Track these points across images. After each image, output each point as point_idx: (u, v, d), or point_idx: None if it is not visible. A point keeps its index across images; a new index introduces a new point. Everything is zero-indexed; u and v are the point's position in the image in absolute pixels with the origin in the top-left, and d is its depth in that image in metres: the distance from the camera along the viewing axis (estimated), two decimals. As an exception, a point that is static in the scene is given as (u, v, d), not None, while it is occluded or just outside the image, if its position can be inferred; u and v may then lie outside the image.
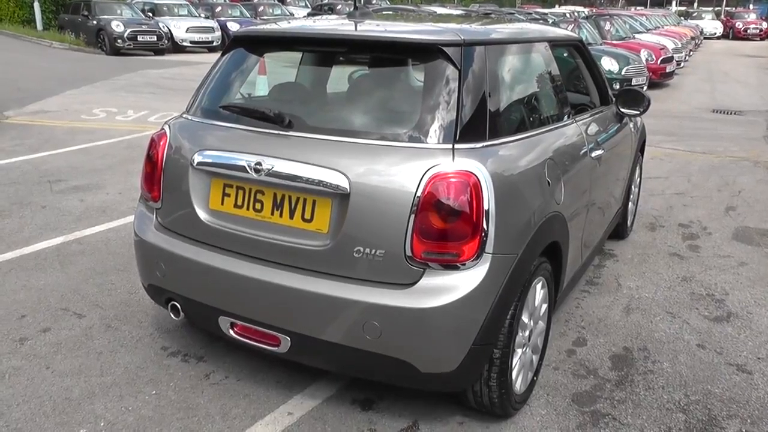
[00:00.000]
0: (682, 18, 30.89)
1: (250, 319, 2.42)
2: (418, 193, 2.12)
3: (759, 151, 7.96)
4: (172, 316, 2.71)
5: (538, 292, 2.59)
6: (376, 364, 2.25)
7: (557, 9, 31.61)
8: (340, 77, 2.55)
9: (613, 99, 3.86)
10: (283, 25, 2.82)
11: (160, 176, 2.65)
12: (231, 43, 2.79)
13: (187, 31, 18.53)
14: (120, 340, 3.12)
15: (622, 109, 3.80)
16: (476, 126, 2.26)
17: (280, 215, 2.34)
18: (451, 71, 2.28)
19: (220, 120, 2.57)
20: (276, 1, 27.02)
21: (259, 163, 2.31)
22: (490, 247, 2.16)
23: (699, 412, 2.71)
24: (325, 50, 2.51)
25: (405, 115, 2.31)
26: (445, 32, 2.39)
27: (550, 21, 14.87)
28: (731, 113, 10.80)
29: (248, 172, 2.34)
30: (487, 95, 2.34)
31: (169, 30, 18.27)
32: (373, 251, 2.17)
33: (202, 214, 2.51)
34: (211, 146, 2.49)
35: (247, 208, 2.41)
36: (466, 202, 2.12)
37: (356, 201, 2.18)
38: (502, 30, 2.75)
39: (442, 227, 2.12)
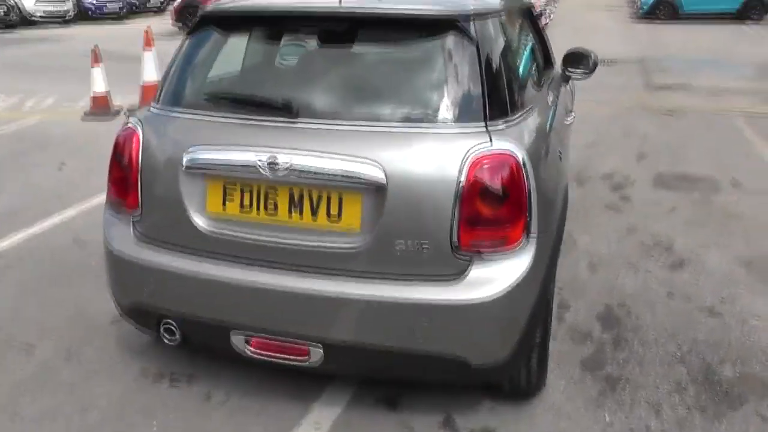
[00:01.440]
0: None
1: (271, 332, 2.20)
2: (461, 179, 1.99)
3: (645, 98, 8.52)
4: (165, 339, 2.40)
5: None
6: (425, 364, 2.13)
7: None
8: (339, 58, 2.30)
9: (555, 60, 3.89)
10: (267, 1, 2.50)
11: (137, 181, 2.31)
12: (199, 22, 2.44)
13: (37, 3, 16.58)
14: (89, 369, 2.76)
15: (569, 70, 3.82)
16: (500, 102, 2.16)
17: (300, 215, 2.11)
18: (468, 46, 2.15)
19: (208, 111, 2.26)
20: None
21: (273, 159, 2.06)
22: (534, 228, 2.09)
23: (695, 361, 2.85)
24: (323, 28, 2.26)
25: (430, 96, 2.15)
26: (454, 4, 2.24)
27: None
28: (607, 63, 11.46)
29: (259, 171, 2.08)
30: (502, 68, 2.24)
31: (17, 1, 16.29)
32: (417, 244, 2.02)
33: (200, 221, 2.22)
34: (204, 143, 2.18)
35: (257, 211, 2.16)
36: (511, 185, 2.02)
37: (395, 193, 2.01)
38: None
39: (490, 213, 2.01)
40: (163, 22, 16.55)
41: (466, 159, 2.00)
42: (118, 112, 7.24)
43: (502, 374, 2.27)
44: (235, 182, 2.17)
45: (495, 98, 2.13)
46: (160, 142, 2.29)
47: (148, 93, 7.11)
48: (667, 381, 2.70)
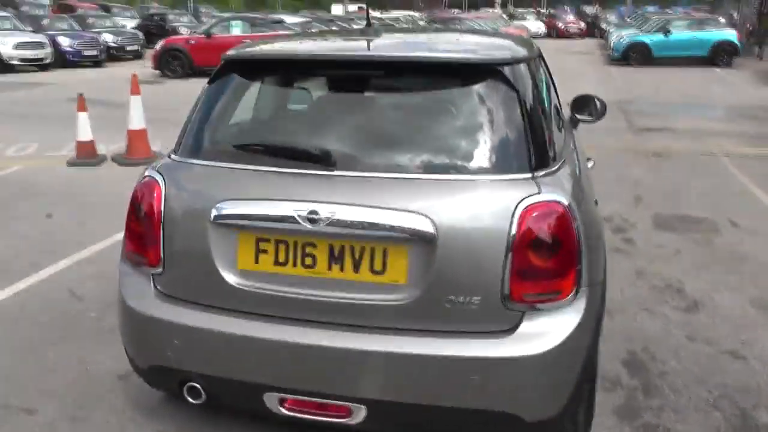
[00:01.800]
0: (509, 19, 33.18)
1: (309, 392, 2.07)
2: (513, 231, 1.92)
3: (631, 141, 8.65)
4: (189, 400, 2.25)
5: None
6: (477, 420, 2.02)
7: (391, 14, 32.48)
8: (374, 105, 2.24)
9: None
10: (294, 45, 2.45)
11: (159, 235, 2.19)
12: (222, 67, 2.37)
13: (15, 48, 16.39)
14: (99, 434, 2.58)
15: (578, 116, 3.83)
16: (542, 150, 2.12)
17: (341, 269, 2.02)
18: (510, 93, 2.12)
19: (238, 162, 2.17)
20: (103, 12, 25.10)
21: (314, 212, 1.97)
22: (585, 279, 2.02)
23: (729, 407, 2.78)
24: (356, 75, 2.20)
25: (474, 145, 2.09)
26: (495, 50, 2.21)
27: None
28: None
29: (298, 223, 1.98)
30: (540, 116, 2.20)
31: (-6, 47, 16.12)
32: (468, 299, 1.94)
33: (231, 277, 2.10)
34: (236, 195, 2.09)
35: (294, 265, 2.05)
36: (561, 234, 1.96)
37: (444, 245, 1.93)
38: (522, 45, 2.60)
39: (542, 264, 1.94)
40: (143, 68, 16.55)
41: (517, 209, 1.93)
42: (103, 159, 7.10)
43: (554, 429, 2.17)
44: (269, 236, 2.06)
45: (537, 146, 2.09)
46: (186, 194, 2.19)
47: (135, 139, 7.00)
48: (706, 428, 2.62)
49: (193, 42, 14.62)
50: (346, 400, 2.05)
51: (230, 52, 2.40)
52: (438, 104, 2.18)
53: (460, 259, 1.93)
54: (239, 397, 2.21)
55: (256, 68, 2.39)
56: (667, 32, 18.97)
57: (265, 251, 2.07)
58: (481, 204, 1.97)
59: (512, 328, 1.97)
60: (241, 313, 2.11)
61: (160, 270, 2.22)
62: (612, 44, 20.18)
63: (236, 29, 14.93)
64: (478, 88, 2.14)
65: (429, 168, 2.05)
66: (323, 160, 2.06)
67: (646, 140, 8.64)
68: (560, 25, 34.46)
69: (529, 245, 1.93)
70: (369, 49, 2.23)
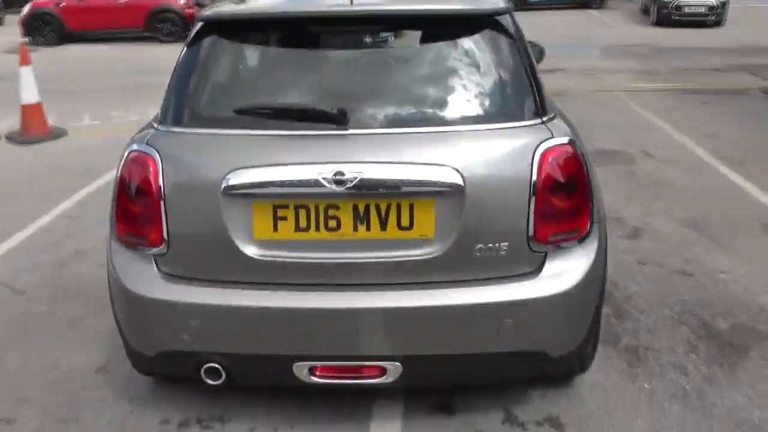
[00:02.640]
0: None
1: (343, 357, 2.05)
2: (534, 175, 1.97)
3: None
4: (208, 382, 2.16)
5: None
6: (510, 362, 2.09)
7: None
8: (379, 61, 2.17)
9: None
10: (277, 2, 2.30)
11: (160, 214, 2.04)
12: (201, 28, 2.21)
13: None
14: (98, 429, 2.42)
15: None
16: (544, 96, 2.18)
17: (367, 229, 1.98)
18: (509, 41, 2.15)
19: (242, 127, 2.05)
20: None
21: (340, 173, 1.91)
22: (596, 215, 2.12)
23: (692, 320, 3.05)
24: (354, 31, 2.12)
25: (486, 94, 2.11)
26: (485, 1, 2.21)
27: None
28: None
29: (323, 186, 1.92)
30: (534, 63, 2.25)
31: None
32: (496, 245, 1.98)
33: (249, 249, 2.01)
34: (248, 162, 1.97)
35: (317, 229, 1.99)
36: (577, 175, 2.04)
37: (472, 195, 1.94)
38: None
39: (562, 204, 2.02)
40: (8, 35, 14.99)
41: (536, 154, 1.98)
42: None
43: (575, 361, 2.29)
44: (288, 202, 1.99)
45: (540, 93, 2.15)
46: (188, 167, 2.04)
47: (30, 115, 6.40)
48: (679, 342, 2.87)
49: (63, 4, 13.36)
50: (380, 360, 2.05)
51: (207, 13, 2.24)
52: (442, 56, 2.16)
53: (487, 207, 1.97)
54: (266, 371, 2.16)
55: (238, 29, 2.24)
56: (541, -25, 19.61)
57: (284, 218, 2.00)
58: (502, 151, 2.00)
59: (538, 269, 2.05)
60: (262, 284, 2.04)
61: (163, 250, 2.08)
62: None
63: (110, -12, 13.79)
64: (480, 38, 2.15)
65: (447, 120, 2.05)
66: (336, 119, 1.99)
67: (546, 82, 9.00)
68: None
69: (550, 187, 1.99)
70: (360, 4, 2.15)
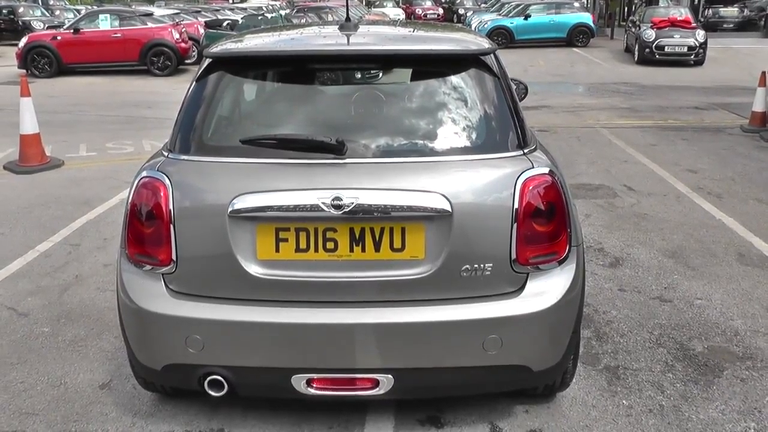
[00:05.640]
0: (368, 7, 33.68)
1: (338, 369, 2.20)
2: (516, 202, 2.15)
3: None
4: (211, 393, 2.29)
5: None
6: (494, 375, 2.24)
7: (251, 2, 31.74)
8: (373, 96, 2.37)
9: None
10: (280, 41, 2.50)
11: (170, 235, 2.20)
12: (209, 64, 2.40)
13: None
14: (103, 444, 2.53)
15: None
16: (525, 129, 2.37)
17: (363, 250, 2.15)
18: (494, 78, 2.36)
19: (247, 156, 2.22)
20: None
21: (338, 198, 2.08)
22: (574, 240, 2.30)
23: (669, 342, 3.22)
24: (351, 68, 2.32)
25: (473, 127, 2.31)
26: (471, 42, 2.43)
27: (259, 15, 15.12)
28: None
29: (322, 210, 2.09)
30: (516, 99, 2.45)
31: None
32: (481, 266, 2.15)
33: (252, 268, 2.17)
34: (253, 188, 2.15)
35: (315, 250, 2.16)
36: (556, 202, 2.22)
37: (459, 220, 2.12)
38: (482, 37, 2.82)
39: (542, 229, 2.19)
40: (3, 66, 15.21)
41: (518, 182, 2.17)
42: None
43: (554, 376, 2.44)
44: (289, 225, 2.15)
45: (521, 126, 2.35)
46: (198, 192, 2.21)
47: (28, 145, 6.54)
48: (656, 362, 3.03)
49: (59, 38, 13.62)
50: (373, 373, 2.20)
51: (214, 50, 2.44)
52: (432, 92, 2.37)
53: (473, 231, 2.14)
54: (266, 383, 2.29)
55: (244, 65, 2.43)
56: (527, 16, 20.22)
57: (285, 240, 2.16)
58: (487, 180, 2.19)
59: (520, 289, 2.22)
60: (264, 301, 2.19)
61: (172, 269, 2.23)
62: (476, 29, 21.21)
63: (104, 23, 14.09)
64: (467, 75, 2.35)
65: (436, 151, 2.24)
66: (335, 148, 2.17)
67: (529, 118, 9.25)
68: (418, 11, 35.19)
69: (531, 214, 2.17)
70: (357, 44, 2.36)
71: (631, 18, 19.66)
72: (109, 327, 3.40)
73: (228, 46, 2.46)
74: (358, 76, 2.37)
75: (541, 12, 20.39)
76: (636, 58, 15.80)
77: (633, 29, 16.93)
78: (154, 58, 13.98)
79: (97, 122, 9.23)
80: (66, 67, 13.71)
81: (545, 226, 2.20)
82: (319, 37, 2.53)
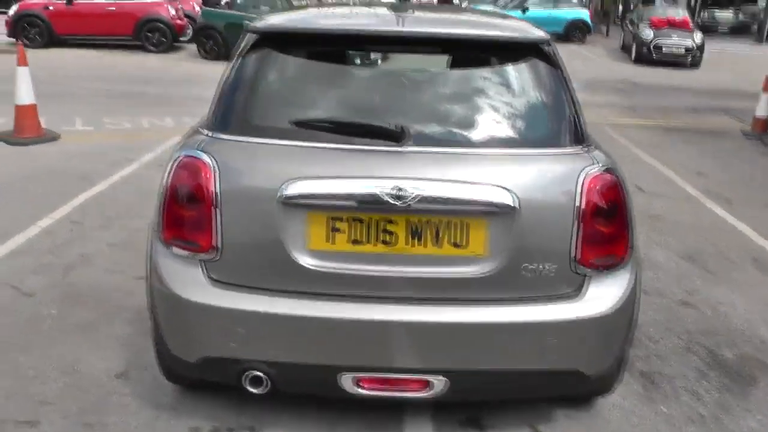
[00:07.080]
0: None
1: (389, 369, 2.09)
2: (580, 200, 2.05)
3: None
4: (250, 389, 2.17)
5: None
6: (549, 379, 2.15)
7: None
8: (431, 82, 2.24)
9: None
10: (328, 19, 2.35)
11: (213, 220, 2.06)
12: (256, 40, 2.25)
13: None
14: (124, 436, 2.40)
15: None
16: (584, 124, 2.27)
17: (422, 244, 2.03)
18: (554, 69, 2.25)
19: (300, 139, 2.08)
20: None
21: (399, 188, 1.96)
22: (632, 241, 2.21)
23: (699, 349, 3.16)
24: (404, 50, 2.19)
25: (536, 120, 2.20)
26: (528, 29, 2.31)
27: None
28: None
29: (382, 200, 1.97)
30: (574, 91, 2.34)
31: None
32: (543, 266, 2.05)
33: (303, 259, 2.04)
34: (306, 174, 2.01)
35: (372, 243, 2.04)
36: (620, 203, 2.13)
37: (524, 216, 2.01)
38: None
39: (606, 230, 2.10)
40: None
41: (581, 179, 2.07)
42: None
43: (609, 382, 2.36)
44: (344, 215, 2.03)
45: (582, 121, 2.25)
46: (245, 175, 2.07)
47: (24, 116, 6.30)
48: (690, 369, 2.97)
49: (51, 8, 13.19)
50: (425, 374, 2.09)
51: (259, 25, 2.29)
52: (492, 80, 2.25)
53: (536, 228, 2.04)
54: (311, 381, 2.17)
55: (293, 42, 2.28)
56: (524, 9, 20.08)
57: (339, 230, 2.04)
58: (549, 176, 2.08)
59: (579, 291, 2.12)
60: (314, 294, 2.07)
61: (215, 256, 2.09)
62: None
63: (97, -7, 13.67)
64: (529, 65, 2.24)
65: (499, 142, 2.12)
66: (395, 135, 2.05)
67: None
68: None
69: (594, 213, 2.07)
70: (416, 26, 2.23)
71: (629, 16, 19.66)
72: (119, 311, 3.25)
73: (276, 20, 2.32)
74: (417, 60, 2.24)
75: (539, 6, 20.29)
76: (633, 57, 15.79)
77: (630, 27, 16.92)
78: (148, 34, 13.62)
79: (90, 95, 8.96)
80: (58, 38, 13.30)
81: (607, 226, 2.11)
82: (373, 17, 2.39)
